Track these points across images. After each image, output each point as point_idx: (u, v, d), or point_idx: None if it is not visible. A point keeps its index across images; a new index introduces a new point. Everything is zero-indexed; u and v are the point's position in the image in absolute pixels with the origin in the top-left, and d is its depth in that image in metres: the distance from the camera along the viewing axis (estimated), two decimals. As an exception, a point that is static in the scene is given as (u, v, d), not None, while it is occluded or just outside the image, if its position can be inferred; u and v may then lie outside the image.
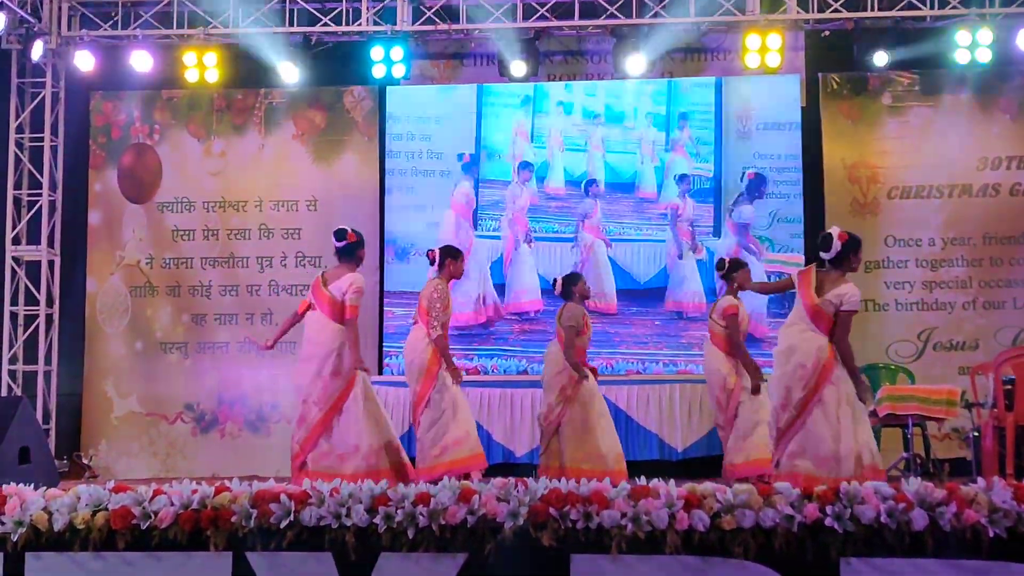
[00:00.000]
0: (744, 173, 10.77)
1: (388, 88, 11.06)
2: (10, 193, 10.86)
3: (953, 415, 8.60)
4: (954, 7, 10.18)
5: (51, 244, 10.91)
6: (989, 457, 8.26)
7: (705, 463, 9.47)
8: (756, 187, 10.74)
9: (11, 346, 10.73)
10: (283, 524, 4.47)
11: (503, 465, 9.59)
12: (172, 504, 4.57)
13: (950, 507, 4.31)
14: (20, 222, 10.88)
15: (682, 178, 10.83)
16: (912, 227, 10.69)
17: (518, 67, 10.46)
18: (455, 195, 10.95)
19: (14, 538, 4.59)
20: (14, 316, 10.79)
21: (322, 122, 11.23)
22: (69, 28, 10.75)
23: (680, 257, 10.74)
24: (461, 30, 10.69)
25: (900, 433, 8.80)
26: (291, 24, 10.67)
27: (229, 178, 11.24)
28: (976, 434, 8.53)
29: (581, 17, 10.54)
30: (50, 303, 10.88)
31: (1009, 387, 8.20)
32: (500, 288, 10.87)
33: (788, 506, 4.36)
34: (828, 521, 4.31)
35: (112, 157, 11.29)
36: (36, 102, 10.91)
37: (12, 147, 10.88)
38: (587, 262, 10.75)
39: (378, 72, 10.65)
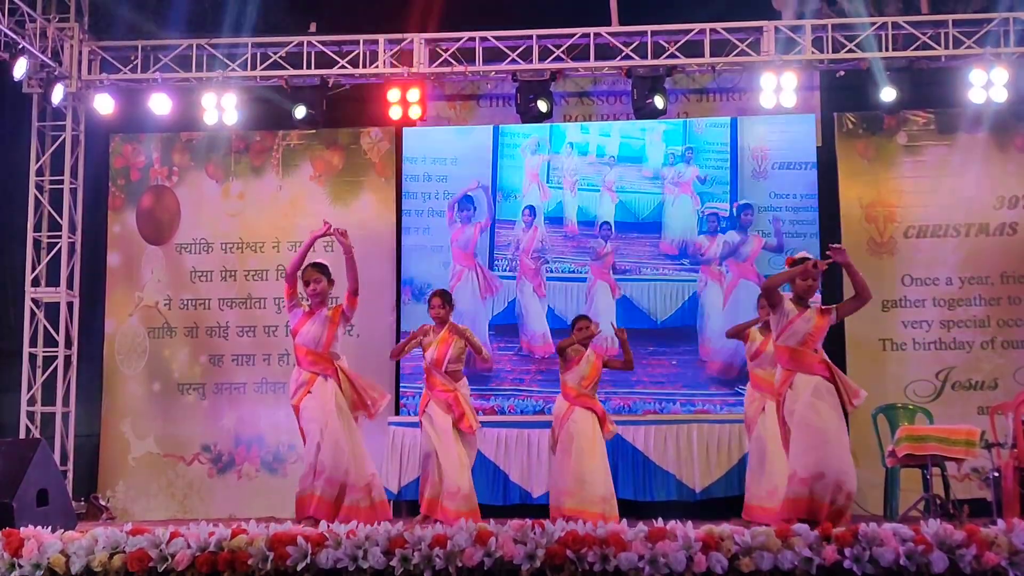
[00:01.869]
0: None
1: (405, 129, 11.12)
2: (30, 235, 10.91)
3: (972, 455, 8.51)
4: (968, 47, 10.19)
5: (70, 286, 10.96)
6: (1009, 498, 8.19)
7: (724, 504, 9.42)
8: (740, 215, 10.80)
9: (30, 387, 10.74)
10: (300, 567, 4.47)
11: (520, 506, 9.56)
12: (189, 547, 4.58)
13: (970, 549, 4.29)
14: (40, 264, 10.93)
15: (708, 217, 10.84)
16: (929, 266, 10.67)
17: (543, 104, 10.47)
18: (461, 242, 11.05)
19: (32, 581, 4.60)
20: (33, 358, 10.82)
21: (339, 163, 11.29)
22: (89, 72, 10.84)
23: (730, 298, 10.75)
24: (477, 72, 10.75)
25: (919, 474, 8.73)
26: (308, 67, 10.75)
27: (247, 219, 11.31)
28: (996, 475, 8.45)
29: (596, 58, 10.59)
30: (69, 344, 10.91)
31: (1029, 427, 8.15)
32: (512, 328, 10.89)
33: (807, 548, 4.34)
34: (847, 563, 4.30)
35: (131, 199, 11.37)
36: (56, 145, 10.98)
37: (32, 190, 10.94)
38: (591, 303, 10.77)
39: (395, 113, 10.72)
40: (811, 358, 6.83)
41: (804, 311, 6.86)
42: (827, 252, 6.93)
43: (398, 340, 10.73)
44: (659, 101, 10.33)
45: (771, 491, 7.79)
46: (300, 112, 10.60)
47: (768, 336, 8.20)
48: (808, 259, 6.90)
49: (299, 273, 7.50)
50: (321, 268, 7.52)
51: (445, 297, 8.31)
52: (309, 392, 7.38)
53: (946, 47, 10.23)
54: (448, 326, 8.22)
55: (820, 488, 6.54)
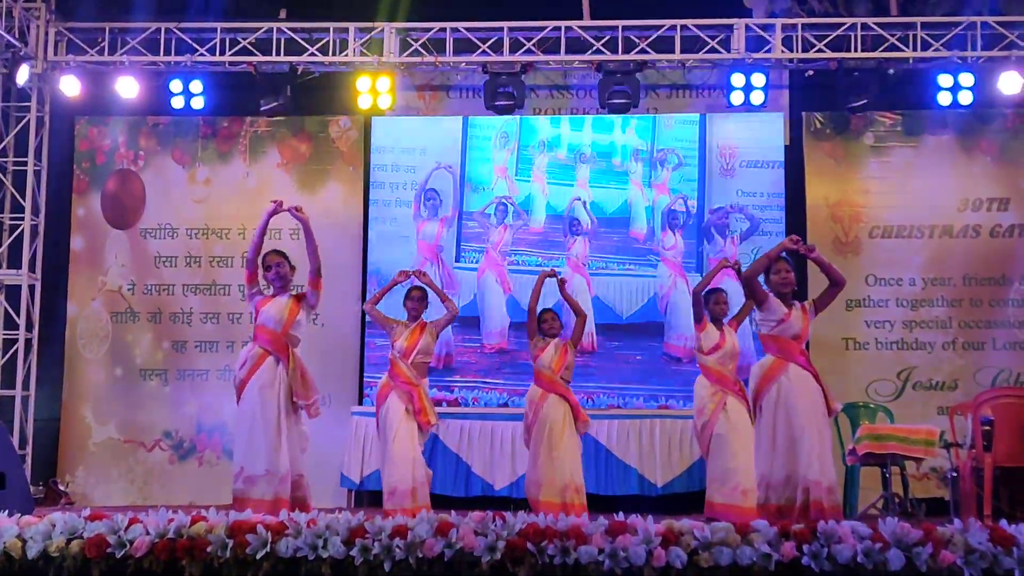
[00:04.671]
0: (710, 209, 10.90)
1: (374, 119, 11.08)
2: (-8, 217, 10.83)
3: (932, 455, 8.60)
4: (936, 49, 10.27)
5: (32, 268, 10.85)
6: (967, 498, 8.28)
7: (685, 499, 9.46)
8: (720, 219, 10.82)
9: (-11, 370, 10.67)
10: (259, 555, 4.45)
11: (482, 498, 9.56)
12: (148, 533, 4.54)
13: (927, 548, 4.31)
14: (2, 246, 10.82)
15: (670, 213, 10.85)
16: (893, 267, 10.74)
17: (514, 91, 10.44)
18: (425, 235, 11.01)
19: (-13, 565, 4.56)
20: (-7, 340, 10.74)
21: (307, 151, 11.24)
22: (55, 53, 10.75)
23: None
24: (447, 63, 10.73)
25: (879, 472, 8.81)
26: (278, 53, 10.68)
27: (213, 205, 11.23)
28: (954, 474, 8.54)
29: (567, 52, 10.58)
30: (30, 328, 10.81)
31: (988, 428, 8.22)
32: (476, 321, 10.86)
33: (766, 544, 4.36)
34: (805, 560, 4.31)
35: (96, 182, 11.28)
36: (20, 126, 10.86)
37: (-5, 170, 10.86)
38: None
39: (364, 103, 10.67)
40: (800, 353, 6.86)
41: (792, 309, 6.85)
42: (794, 247, 6.91)
43: (363, 330, 10.73)
44: (624, 102, 10.34)
45: (744, 490, 7.65)
46: (270, 99, 10.53)
47: (725, 331, 8.10)
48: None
49: (259, 259, 7.40)
50: (281, 253, 7.45)
51: (423, 293, 8.30)
52: (256, 371, 7.14)
53: (914, 49, 10.30)
54: (419, 322, 8.24)
55: (790, 491, 6.54)
